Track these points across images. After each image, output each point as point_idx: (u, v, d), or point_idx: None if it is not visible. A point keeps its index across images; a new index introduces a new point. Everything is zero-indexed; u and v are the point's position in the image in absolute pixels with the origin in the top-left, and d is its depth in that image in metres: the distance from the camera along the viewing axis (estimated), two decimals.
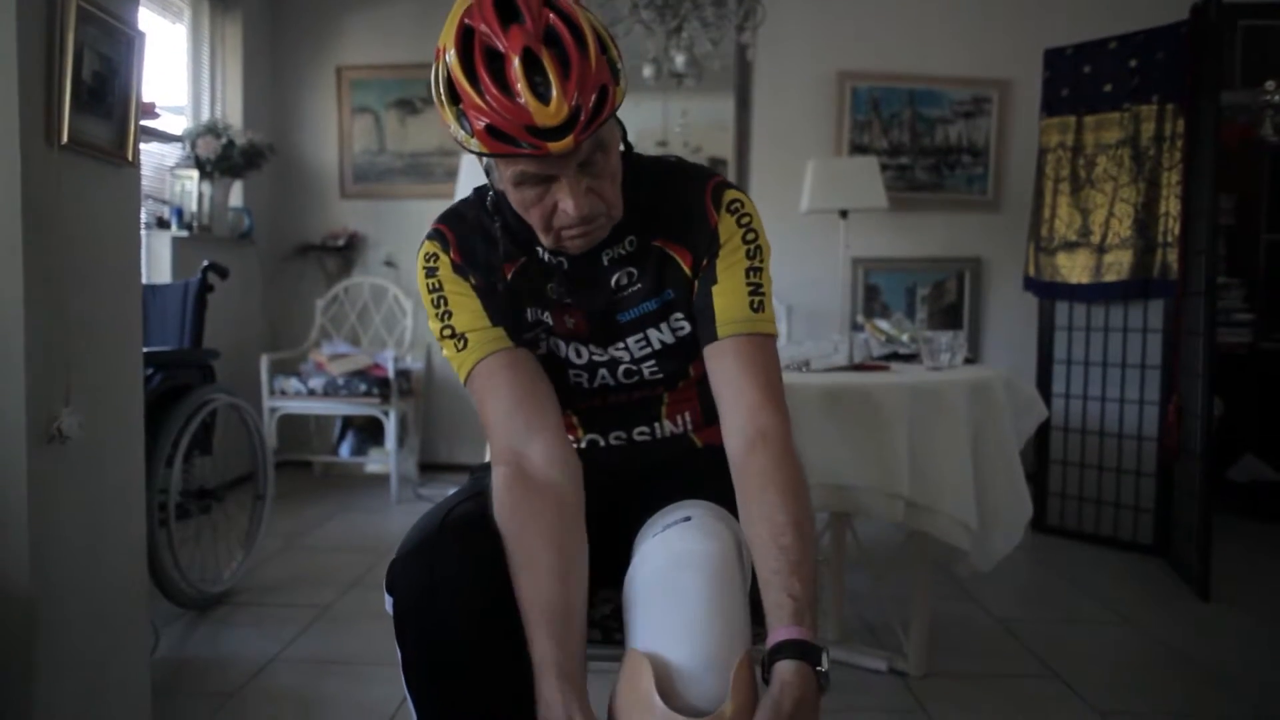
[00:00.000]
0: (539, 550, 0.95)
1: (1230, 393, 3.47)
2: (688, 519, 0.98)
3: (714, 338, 1.05)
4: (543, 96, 0.88)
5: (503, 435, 1.04)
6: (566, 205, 0.95)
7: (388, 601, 0.97)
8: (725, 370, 1.04)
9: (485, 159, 0.99)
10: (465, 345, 1.08)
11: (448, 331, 1.09)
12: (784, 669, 0.85)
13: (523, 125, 0.88)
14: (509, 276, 1.09)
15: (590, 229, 0.99)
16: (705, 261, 1.07)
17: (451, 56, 0.91)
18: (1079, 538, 3.27)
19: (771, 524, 0.94)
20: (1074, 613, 2.54)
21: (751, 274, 1.06)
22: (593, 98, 0.90)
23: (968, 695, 1.98)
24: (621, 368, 1.13)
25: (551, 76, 0.88)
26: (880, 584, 2.45)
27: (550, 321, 1.11)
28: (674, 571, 0.93)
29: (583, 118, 0.89)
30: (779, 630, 0.88)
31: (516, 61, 0.88)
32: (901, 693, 1.99)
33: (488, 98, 0.89)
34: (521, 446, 1.03)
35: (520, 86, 0.88)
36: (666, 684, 0.86)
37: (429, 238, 1.12)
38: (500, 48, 0.89)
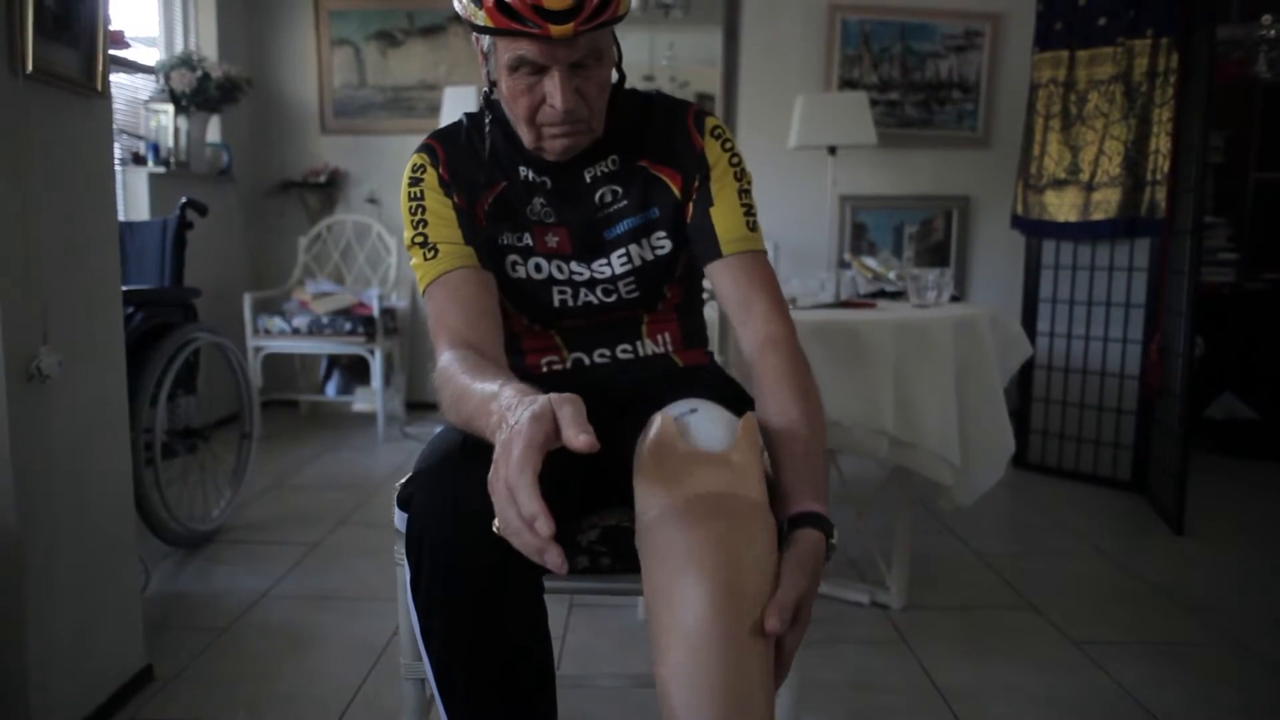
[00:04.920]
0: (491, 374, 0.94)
1: (1212, 332, 3.50)
2: (694, 410, 0.96)
3: (718, 255, 1.12)
4: None
5: (458, 334, 1.05)
6: (554, 98, 1.00)
7: (399, 518, 0.96)
8: (733, 283, 1.11)
9: (485, 41, 1.03)
10: (435, 255, 1.10)
11: (420, 239, 1.11)
12: (805, 534, 0.90)
13: (530, 4, 0.93)
14: (487, 204, 1.14)
15: (572, 131, 1.05)
16: (696, 183, 1.14)
17: None
18: (1059, 474, 3.32)
19: (786, 417, 1.00)
20: (1052, 547, 2.59)
21: (743, 195, 1.14)
22: None
23: (947, 627, 2.03)
24: (600, 286, 1.17)
25: None
26: (863, 519, 2.49)
27: (530, 242, 1.16)
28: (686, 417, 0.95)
29: (586, 9, 0.94)
30: (801, 503, 0.93)
31: None
32: (883, 625, 2.03)
33: None
34: (476, 344, 1.04)
35: None
36: (680, 433, 0.91)
37: (419, 150, 1.15)
38: None
